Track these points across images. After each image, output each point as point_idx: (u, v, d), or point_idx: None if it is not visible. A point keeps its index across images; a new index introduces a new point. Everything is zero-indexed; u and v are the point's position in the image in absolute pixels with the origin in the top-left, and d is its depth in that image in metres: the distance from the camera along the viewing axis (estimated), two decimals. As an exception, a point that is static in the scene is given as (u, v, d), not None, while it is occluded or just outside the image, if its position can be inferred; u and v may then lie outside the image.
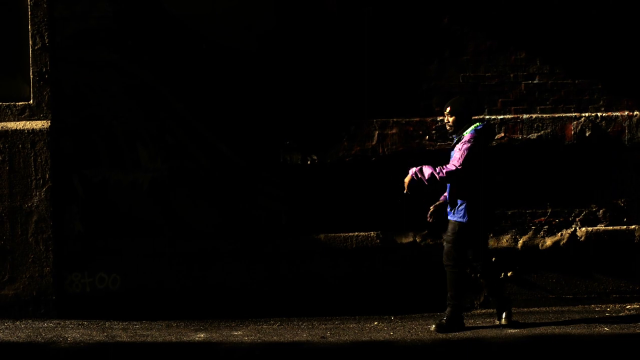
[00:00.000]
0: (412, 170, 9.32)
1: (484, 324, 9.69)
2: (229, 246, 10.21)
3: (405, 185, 9.34)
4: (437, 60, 10.34)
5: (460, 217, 9.31)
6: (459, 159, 9.19)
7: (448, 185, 9.37)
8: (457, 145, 9.31)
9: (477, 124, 9.35)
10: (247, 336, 9.29)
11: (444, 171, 9.19)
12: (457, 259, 9.34)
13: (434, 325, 9.42)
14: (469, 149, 9.18)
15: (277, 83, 10.27)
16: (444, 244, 9.43)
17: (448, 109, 9.43)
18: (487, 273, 9.52)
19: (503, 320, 9.54)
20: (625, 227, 10.39)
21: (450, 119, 9.41)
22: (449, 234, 9.38)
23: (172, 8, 10.21)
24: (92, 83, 10.17)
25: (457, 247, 9.33)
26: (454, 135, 9.42)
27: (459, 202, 9.30)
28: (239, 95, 10.28)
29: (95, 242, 10.15)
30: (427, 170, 9.24)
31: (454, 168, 9.18)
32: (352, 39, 10.30)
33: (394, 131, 10.25)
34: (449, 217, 9.40)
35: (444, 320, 9.41)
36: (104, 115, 10.21)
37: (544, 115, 10.38)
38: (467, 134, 9.28)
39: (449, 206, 9.41)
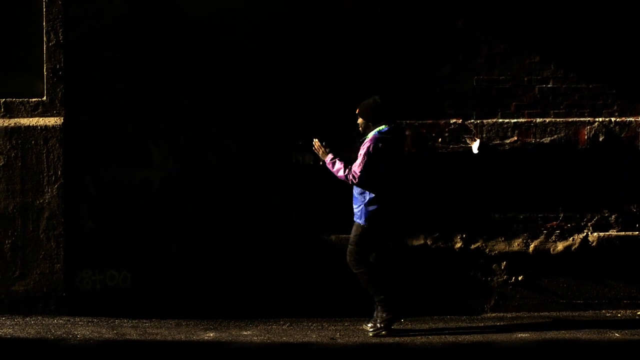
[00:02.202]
0: (329, 157, 9.34)
1: (495, 328, 9.68)
2: (235, 245, 10.21)
3: (320, 154, 9.42)
4: (451, 62, 10.32)
5: (358, 219, 9.36)
6: (359, 165, 9.21)
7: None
8: (360, 147, 9.35)
9: (383, 126, 9.32)
10: (257, 336, 9.28)
11: (352, 177, 9.24)
12: (360, 260, 9.37)
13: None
14: (366, 154, 9.20)
15: (288, 81, 10.26)
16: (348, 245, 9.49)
17: (357, 111, 9.45)
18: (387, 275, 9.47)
19: (377, 325, 9.43)
20: (637, 232, 10.35)
21: (359, 121, 9.43)
22: (351, 235, 9.44)
23: (185, 7, 10.22)
24: (104, 81, 10.19)
25: (359, 249, 9.38)
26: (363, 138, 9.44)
27: (358, 204, 9.35)
28: (249, 94, 10.28)
29: (106, 239, 10.16)
30: (338, 167, 9.30)
31: (356, 178, 9.22)
32: (366, 40, 10.29)
33: (406, 133, 10.23)
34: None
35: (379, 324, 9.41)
36: (115, 114, 10.23)
37: (558, 120, 10.35)
38: (369, 137, 9.29)
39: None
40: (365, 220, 9.30)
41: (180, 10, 10.22)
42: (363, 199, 9.32)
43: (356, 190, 9.39)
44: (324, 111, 10.28)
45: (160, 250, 10.20)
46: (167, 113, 10.26)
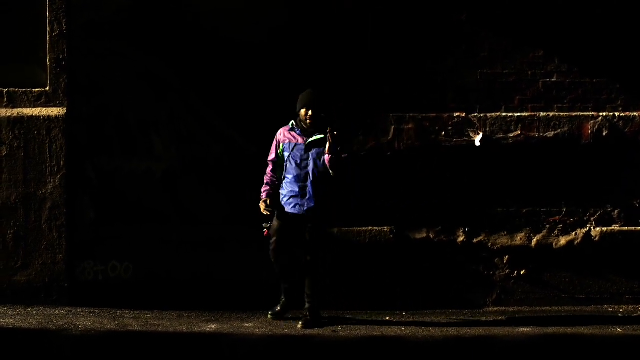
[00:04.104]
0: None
1: (497, 322, 9.69)
2: (237, 235, 10.21)
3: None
4: (455, 56, 10.31)
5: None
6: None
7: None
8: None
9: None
10: (259, 328, 9.28)
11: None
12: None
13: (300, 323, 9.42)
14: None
15: (288, 73, 10.22)
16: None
17: (312, 106, 9.31)
18: (312, 268, 9.42)
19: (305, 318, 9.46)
20: (640, 228, 10.38)
21: (311, 114, 9.30)
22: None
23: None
24: (104, 72, 10.17)
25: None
26: (311, 130, 9.32)
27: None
28: (250, 86, 10.26)
29: (108, 229, 10.16)
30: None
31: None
32: (370, 33, 10.27)
33: (410, 126, 10.22)
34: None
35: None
36: (116, 105, 10.22)
37: (561, 114, 10.34)
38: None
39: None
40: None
41: (180, 1, 10.20)
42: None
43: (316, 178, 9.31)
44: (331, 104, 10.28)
45: (161, 240, 10.20)
46: (168, 104, 10.25)
